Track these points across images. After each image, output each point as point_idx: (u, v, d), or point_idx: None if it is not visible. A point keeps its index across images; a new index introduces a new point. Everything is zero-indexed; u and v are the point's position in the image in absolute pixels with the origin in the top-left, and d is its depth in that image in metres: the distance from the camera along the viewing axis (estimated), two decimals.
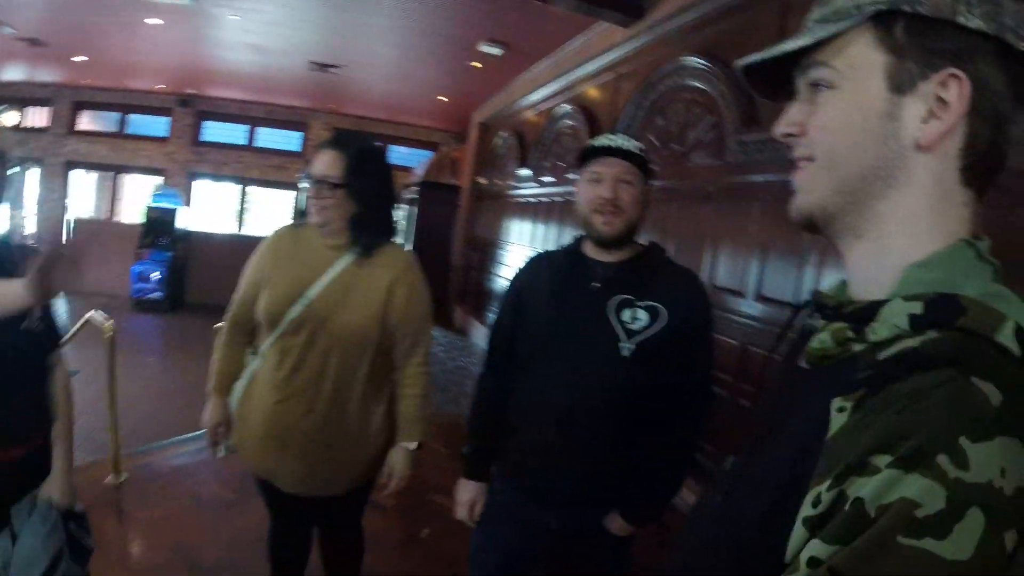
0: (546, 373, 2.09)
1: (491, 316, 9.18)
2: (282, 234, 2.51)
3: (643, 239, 2.22)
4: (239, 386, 2.49)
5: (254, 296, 2.44)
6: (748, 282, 4.72)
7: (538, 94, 9.42)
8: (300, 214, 2.55)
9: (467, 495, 2.30)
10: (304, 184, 2.37)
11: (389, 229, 2.51)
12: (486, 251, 11.37)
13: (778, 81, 0.88)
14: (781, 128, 0.86)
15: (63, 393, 2.18)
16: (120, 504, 4.20)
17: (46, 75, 15.45)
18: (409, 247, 13.30)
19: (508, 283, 2.38)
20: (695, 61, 5.50)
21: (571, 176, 7.36)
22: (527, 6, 6.74)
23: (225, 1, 8.43)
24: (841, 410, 0.66)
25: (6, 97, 16.51)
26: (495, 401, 2.27)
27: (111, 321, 4.50)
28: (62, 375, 2.20)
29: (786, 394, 0.86)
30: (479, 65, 9.62)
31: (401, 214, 13.28)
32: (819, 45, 0.78)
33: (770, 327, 4.42)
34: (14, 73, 15.42)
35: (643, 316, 2.01)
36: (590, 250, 2.17)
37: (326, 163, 2.30)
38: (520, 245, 9.47)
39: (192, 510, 4.22)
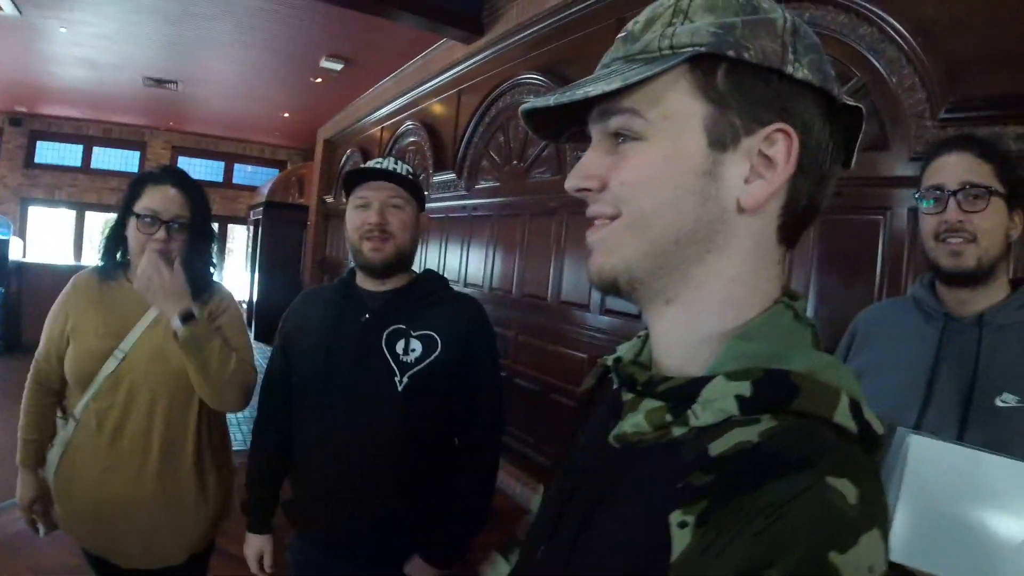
0: (320, 413, 2.03)
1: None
2: (85, 280, 2.32)
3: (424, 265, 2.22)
4: (53, 456, 2.25)
5: (58, 352, 2.25)
6: (593, 295, 5.03)
7: (383, 111, 9.74)
8: (109, 254, 2.30)
9: (252, 549, 2.21)
10: (137, 220, 2.16)
11: (212, 268, 2.40)
12: (337, 272, 11.21)
13: (564, 121, 0.79)
14: (574, 182, 0.76)
15: None
16: None
17: None
18: (253, 270, 13.30)
19: (283, 320, 2.29)
20: (533, 78, 5.87)
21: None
22: (369, 22, 6.94)
23: (52, 13, 8.36)
24: (683, 525, 0.59)
25: None
26: (271, 449, 2.20)
27: None
28: None
29: (592, 476, 0.76)
30: (321, 80, 9.89)
31: (243, 235, 13.14)
32: (624, 89, 0.68)
33: (616, 339, 4.36)
34: None
35: (417, 347, 1.97)
36: (362, 281, 2.13)
37: (173, 202, 2.18)
38: None
39: None
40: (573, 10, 5.35)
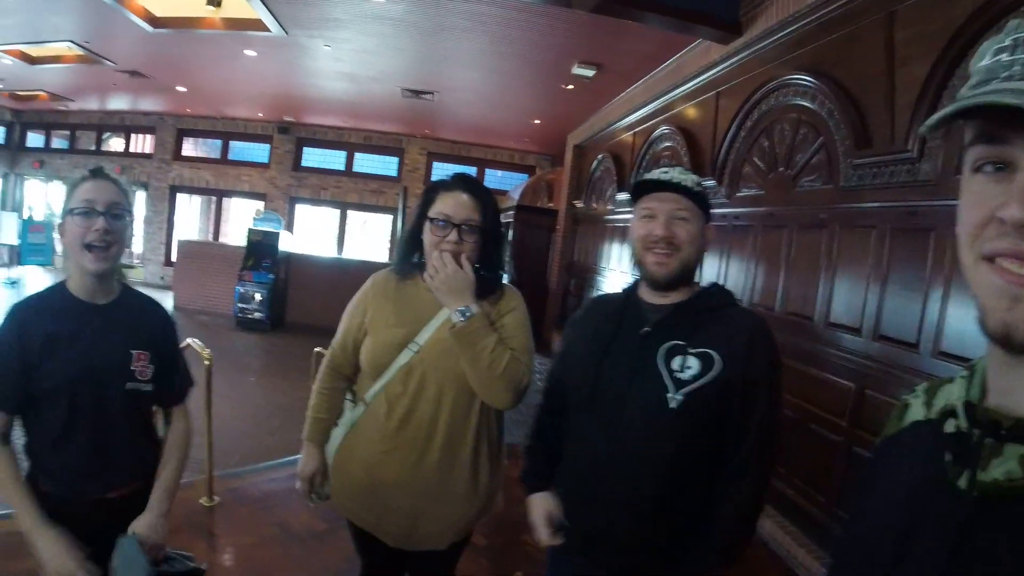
0: (588, 422, 2.04)
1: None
2: (383, 279, 2.46)
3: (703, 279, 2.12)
4: (337, 434, 2.45)
5: (355, 342, 2.41)
6: (865, 318, 4.47)
7: (634, 115, 9.50)
8: (406, 256, 2.44)
9: (538, 509, 2.17)
10: (431, 223, 2.27)
11: (501, 270, 2.46)
12: (583, 277, 11.44)
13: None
14: None
15: (180, 440, 2.35)
16: (211, 528, 4.43)
17: (149, 104, 16.84)
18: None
19: (568, 328, 2.35)
20: (799, 78, 5.37)
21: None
22: (620, 26, 6.80)
23: (317, 32, 8.95)
24: None
25: (111, 125, 18.27)
26: (551, 436, 2.22)
27: (208, 350, 4.78)
28: (182, 425, 2.38)
29: (939, 521, 0.73)
30: (572, 87, 9.81)
31: None
32: None
33: (889, 370, 4.15)
34: (119, 102, 17.03)
35: (694, 364, 1.90)
36: (644, 293, 2.10)
37: (464, 206, 2.26)
38: (619, 272, 9.47)
39: (280, 539, 4.36)
40: (837, 4, 4.86)
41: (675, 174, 2.00)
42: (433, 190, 2.34)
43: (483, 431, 2.35)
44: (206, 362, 4.73)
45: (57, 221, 2.18)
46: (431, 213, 2.28)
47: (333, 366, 2.49)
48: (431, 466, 2.26)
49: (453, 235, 2.23)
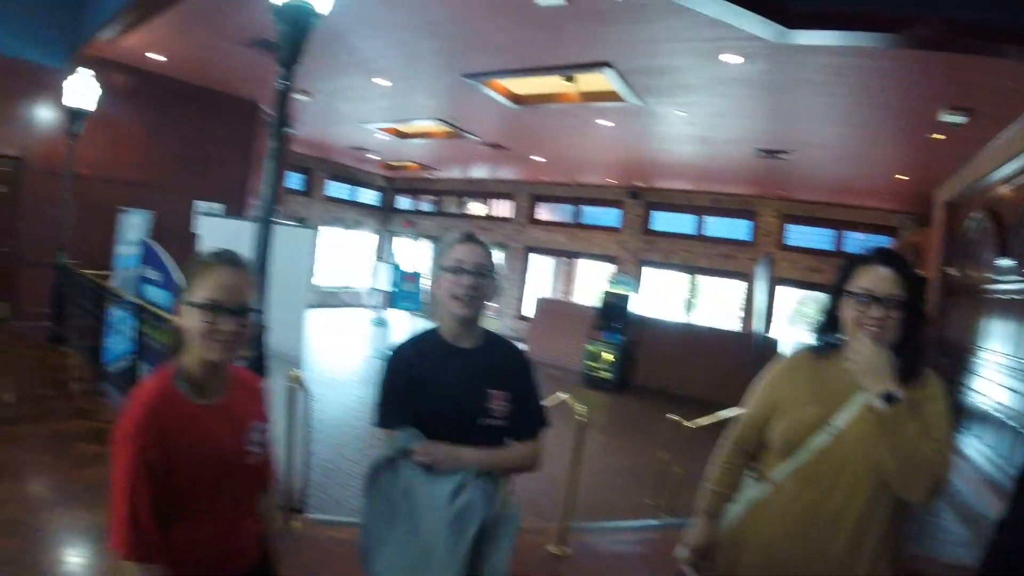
0: None
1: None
2: (800, 357, 2.45)
3: None
4: (735, 510, 2.43)
5: (765, 419, 2.40)
6: None
7: (1012, 165, 8.24)
8: (822, 333, 2.41)
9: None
10: (850, 298, 2.24)
11: (923, 352, 2.31)
12: (958, 357, 9.76)
13: None
14: None
15: (524, 451, 2.44)
16: None
17: (507, 173, 18.79)
18: None
19: None
20: None
21: None
22: (991, 66, 6.20)
23: (670, 98, 9.26)
24: None
25: (473, 191, 21.45)
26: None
27: (582, 406, 5.12)
28: (528, 450, 2.45)
29: None
30: (941, 137, 8.98)
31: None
32: None
33: None
34: (480, 172, 19.42)
35: None
36: None
37: (885, 281, 2.19)
38: (1002, 354, 8.04)
39: None
40: None
41: None
42: (851, 264, 2.31)
43: (892, 525, 2.20)
44: (578, 417, 5.05)
45: (430, 275, 2.46)
46: (851, 287, 2.24)
47: (739, 441, 2.52)
48: (834, 556, 2.16)
49: (876, 311, 2.17)
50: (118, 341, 7.55)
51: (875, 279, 2.19)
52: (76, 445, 5.87)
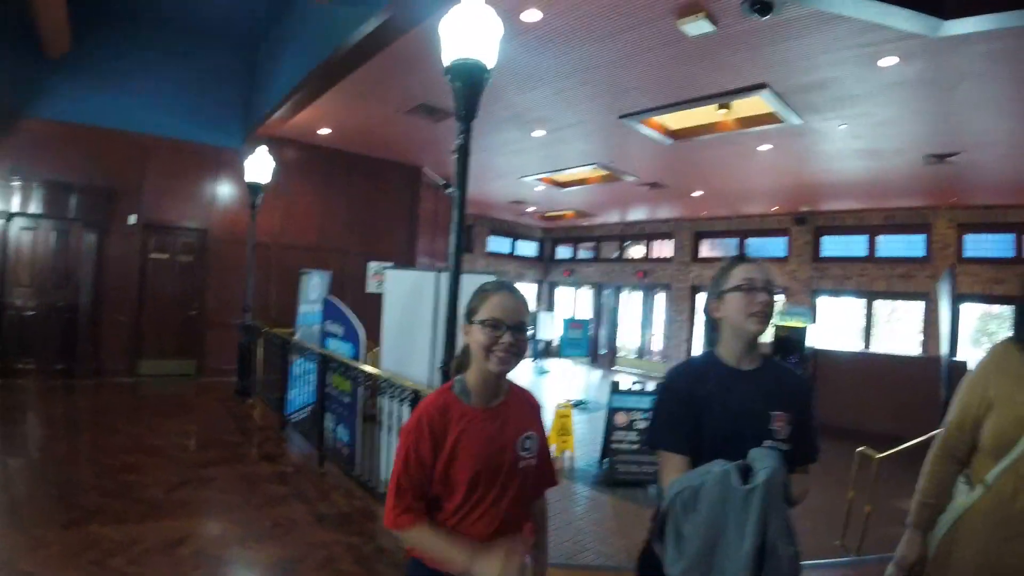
0: None
1: None
2: (1003, 350, 2.42)
3: None
4: (946, 519, 2.40)
5: (975, 420, 2.37)
6: None
7: None
8: None
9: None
10: None
11: None
12: None
13: None
14: None
15: (803, 480, 2.38)
16: None
17: (666, 212, 19.01)
18: None
19: None
20: None
21: None
22: None
23: (831, 112, 9.22)
24: None
25: (632, 234, 21.81)
26: None
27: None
28: (806, 476, 2.41)
29: None
30: None
31: None
32: None
33: None
34: (638, 213, 19.77)
35: None
36: None
37: None
38: None
39: None
40: None
41: None
42: None
43: None
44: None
45: (708, 300, 2.53)
46: None
47: (947, 447, 2.47)
48: None
49: None
50: (300, 392, 8.11)
51: None
52: (263, 486, 6.38)
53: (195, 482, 6.26)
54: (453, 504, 2.21)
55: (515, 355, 2.26)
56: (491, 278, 2.47)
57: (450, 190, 4.52)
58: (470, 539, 2.17)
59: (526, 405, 2.47)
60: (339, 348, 7.40)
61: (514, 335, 2.23)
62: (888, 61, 7.27)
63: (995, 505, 2.22)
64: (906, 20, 5.74)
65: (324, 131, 12.33)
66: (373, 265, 13.80)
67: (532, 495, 2.43)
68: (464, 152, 4.41)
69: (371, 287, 13.64)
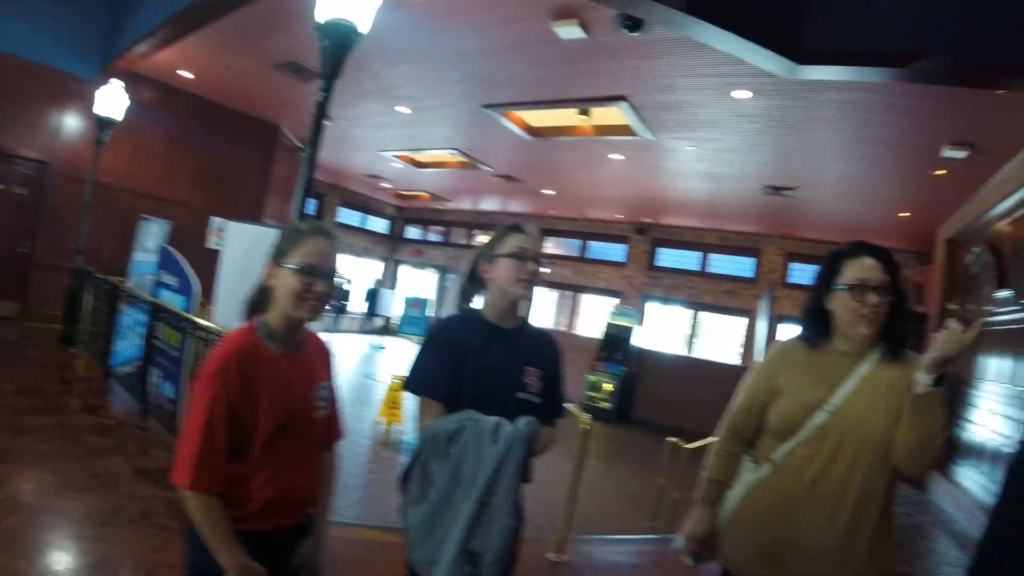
0: None
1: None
2: (790, 347, 2.59)
3: None
4: (735, 495, 2.54)
5: (762, 404, 2.52)
6: None
7: (1012, 199, 8.42)
8: (812, 326, 2.54)
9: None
10: (844, 291, 2.38)
11: (909, 335, 2.44)
12: (956, 391, 10.13)
13: None
14: None
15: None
16: None
17: (517, 206, 19.31)
18: None
19: None
20: None
21: None
22: (991, 98, 6.53)
23: (682, 134, 9.61)
24: None
25: (482, 223, 21.91)
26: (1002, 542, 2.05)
27: (586, 415, 5.34)
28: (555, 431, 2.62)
29: None
30: (943, 172, 9.31)
31: None
32: None
33: None
34: (490, 204, 20.04)
35: None
36: None
37: (876, 269, 2.35)
38: (999, 384, 8.29)
39: None
40: None
41: None
42: (836, 259, 2.46)
43: (890, 497, 2.34)
44: (584, 426, 5.29)
45: (478, 263, 2.62)
46: (843, 281, 2.38)
47: (734, 428, 2.61)
48: (838, 529, 2.27)
49: (872, 299, 2.31)
50: (128, 345, 7.78)
51: (865, 269, 2.35)
52: (83, 438, 6.07)
53: (11, 430, 5.83)
54: (248, 457, 2.05)
55: (326, 304, 2.19)
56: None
57: (303, 150, 4.43)
58: (265, 495, 2.07)
59: (321, 352, 2.39)
60: (172, 300, 7.16)
61: (328, 284, 2.15)
62: (742, 94, 7.65)
63: (782, 482, 2.38)
64: (765, 59, 5.98)
65: (186, 75, 11.49)
66: (216, 221, 13.15)
67: (321, 448, 2.36)
68: (321, 110, 4.37)
69: (211, 243, 13.09)
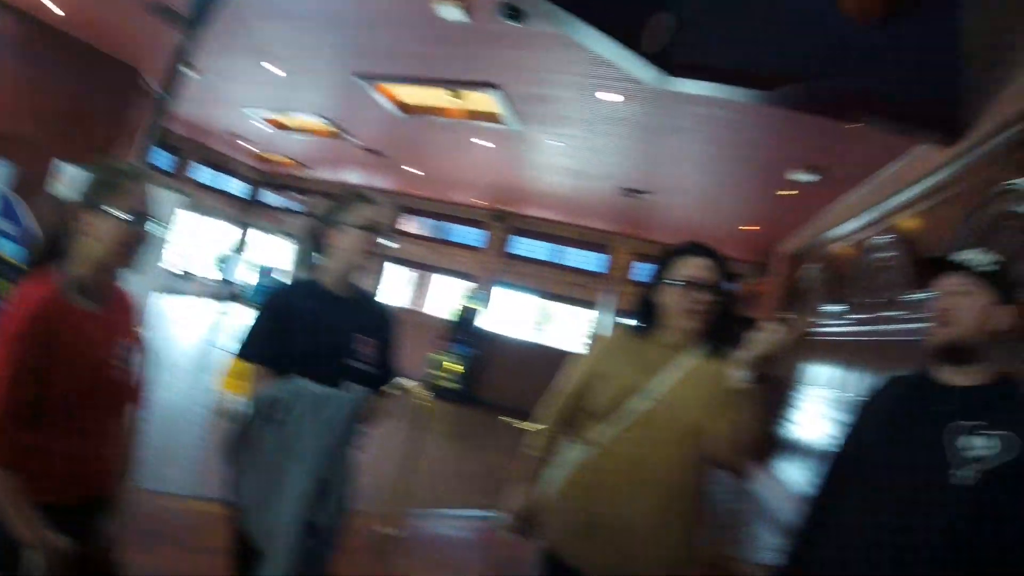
0: (873, 504, 2.10)
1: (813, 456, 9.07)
2: (616, 334, 2.75)
3: None
4: (556, 474, 2.59)
5: (585, 386, 2.59)
6: None
7: (850, 224, 9.18)
8: (641, 317, 2.63)
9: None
10: (674, 287, 2.47)
11: (734, 334, 2.51)
12: (782, 393, 10.98)
13: None
14: None
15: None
16: (384, 555, 4.85)
17: (380, 181, 18.78)
18: None
19: (857, 408, 2.43)
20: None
21: (888, 313, 7.16)
22: (841, 130, 6.90)
23: (550, 128, 9.77)
24: None
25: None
26: (826, 532, 2.27)
27: (429, 394, 5.38)
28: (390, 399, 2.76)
29: None
30: (794, 192, 9.75)
31: None
32: None
33: None
34: (353, 177, 19.25)
35: (987, 443, 1.91)
36: (943, 373, 2.16)
37: (706, 268, 2.46)
38: (819, 388, 9.02)
39: None
40: None
41: (966, 255, 2.15)
42: (669, 256, 2.56)
43: (701, 485, 2.46)
44: (419, 401, 5.34)
45: (326, 230, 2.65)
46: (674, 277, 2.47)
47: (556, 408, 2.68)
48: (650, 510, 2.36)
49: (701, 296, 2.42)
50: None
51: (696, 268, 2.46)
52: None
53: None
54: (44, 425, 1.89)
55: (140, 252, 2.04)
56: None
57: (166, 96, 4.28)
58: (63, 466, 1.95)
59: (128, 310, 2.24)
60: (9, 249, 6.74)
61: (149, 233, 2.02)
62: (611, 96, 7.84)
63: (604, 463, 2.45)
64: (637, 66, 6.09)
65: (53, 7, 10.75)
66: (61, 164, 12.27)
67: (122, 409, 2.20)
68: (183, 56, 4.23)
69: (57, 190, 12.16)
